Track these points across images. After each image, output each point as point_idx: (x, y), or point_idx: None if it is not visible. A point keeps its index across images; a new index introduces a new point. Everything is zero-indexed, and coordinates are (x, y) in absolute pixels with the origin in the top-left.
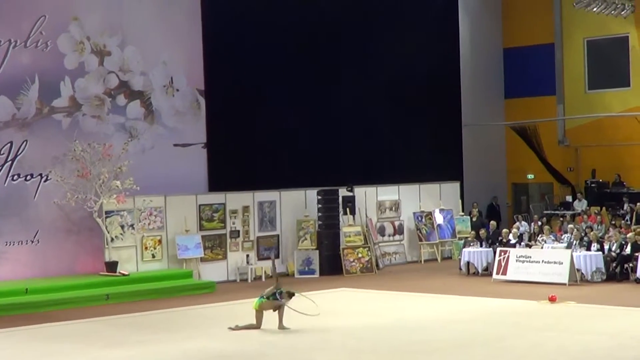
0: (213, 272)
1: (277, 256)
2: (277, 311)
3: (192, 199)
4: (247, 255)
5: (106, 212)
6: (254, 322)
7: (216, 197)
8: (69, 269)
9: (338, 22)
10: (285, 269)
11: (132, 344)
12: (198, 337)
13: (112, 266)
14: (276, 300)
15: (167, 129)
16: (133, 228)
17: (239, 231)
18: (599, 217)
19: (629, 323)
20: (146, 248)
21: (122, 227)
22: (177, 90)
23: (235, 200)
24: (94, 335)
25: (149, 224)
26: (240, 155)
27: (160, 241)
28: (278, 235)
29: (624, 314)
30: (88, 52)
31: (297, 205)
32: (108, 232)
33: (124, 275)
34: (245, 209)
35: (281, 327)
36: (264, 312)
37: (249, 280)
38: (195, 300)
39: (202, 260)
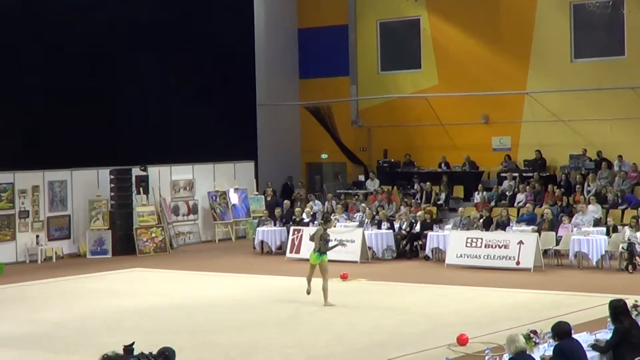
0: (1, 253)
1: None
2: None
3: None
4: (37, 236)
5: None
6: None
7: (4, 177)
8: None
9: (130, 2)
10: (77, 249)
11: None
12: None
13: None
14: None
15: None
16: None
17: (28, 211)
18: (382, 195)
19: (417, 299)
20: None
21: None
22: None
23: (24, 179)
24: None
25: None
26: (28, 133)
27: None
28: (69, 215)
29: (413, 290)
30: None
31: (89, 184)
32: None
33: None
34: (35, 188)
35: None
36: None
37: (39, 261)
38: None
39: None
